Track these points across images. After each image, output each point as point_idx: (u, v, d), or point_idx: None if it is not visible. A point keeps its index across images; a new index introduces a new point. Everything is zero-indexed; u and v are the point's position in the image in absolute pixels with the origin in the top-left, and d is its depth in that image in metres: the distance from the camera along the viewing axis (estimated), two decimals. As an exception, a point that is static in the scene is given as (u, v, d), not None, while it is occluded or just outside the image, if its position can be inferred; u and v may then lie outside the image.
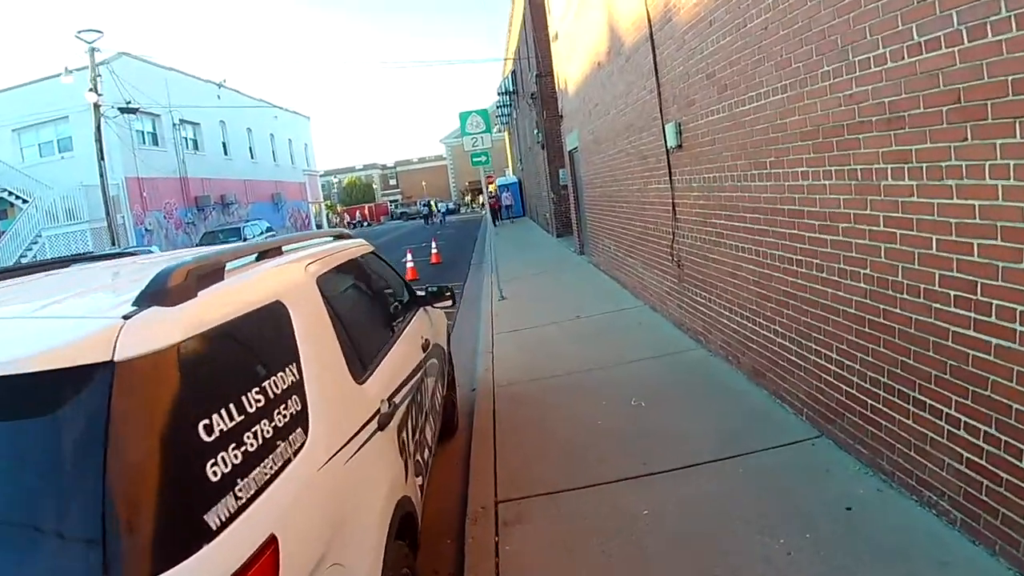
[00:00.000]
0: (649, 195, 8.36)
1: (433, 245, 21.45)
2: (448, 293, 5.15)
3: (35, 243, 25.87)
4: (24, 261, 24.42)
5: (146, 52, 31.65)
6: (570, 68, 13.93)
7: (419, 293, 5.26)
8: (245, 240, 26.43)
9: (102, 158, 22.95)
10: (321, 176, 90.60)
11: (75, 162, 26.24)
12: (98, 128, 22.87)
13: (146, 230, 28.91)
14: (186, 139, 33.47)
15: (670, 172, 7.19)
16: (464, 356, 8.69)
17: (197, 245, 27.91)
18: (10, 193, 26.59)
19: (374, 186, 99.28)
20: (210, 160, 35.35)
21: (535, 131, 22.92)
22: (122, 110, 24.07)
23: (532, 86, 23.34)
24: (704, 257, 6.53)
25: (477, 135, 11.45)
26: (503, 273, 13.49)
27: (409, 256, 18.08)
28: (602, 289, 11.37)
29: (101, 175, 22.96)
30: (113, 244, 23.56)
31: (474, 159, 11.85)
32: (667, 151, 7.16)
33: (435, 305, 5.21)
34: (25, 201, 26.34)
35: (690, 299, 7.19)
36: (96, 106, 22.58)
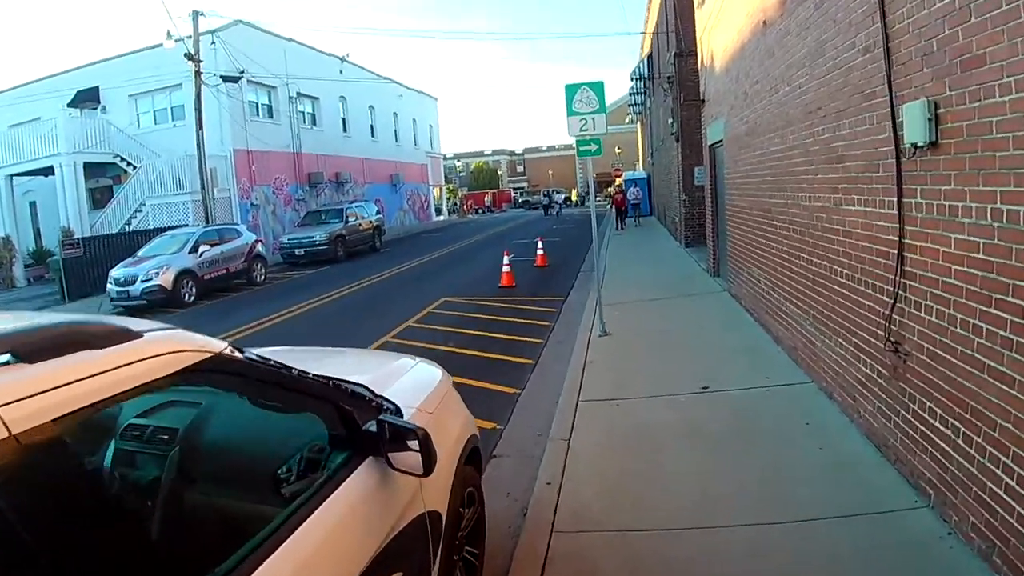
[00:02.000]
0: (844, 221, 5.20)
1: (540, 244, 18.73)
2: (415, 439, 2.37)
3: (139, 211, 25.28)
4: (128, 229, 23.92)
5: (267, 21, 30.82)
6: (718, 38, 10.72)
7: (375, 426, 2.49)
8: (347, 223, 24.79)
9: (200, 127, 21.82)
10: (448, 159, 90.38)
11: (186, 130, 25.32)
12: (198, 96, 21.72)
13: (252, 205, 27.92)
14: (303, 113, 32.37)
15: (900, 188, 4.05)
16: (525, 438, 5.96)
17: (299, 224, 26.57)
18: (122, 159, 26.16)
19: (500, 172, 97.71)
20: (327, 136, 34.19)
21: (669, 120, 19.64)
22: (224, 78, 22.86)
23: (669, 68, 20.04)
24: (967, 357, 3.40)
25: (587, 116, 8.54)
26: (612, 291, 10.63)
27: (506, 259, 15.40)
28: (743, 339, 8.22)
29: (198, 145, 21.83)
30: (207, 219, 22.37)
31: (580, 147, 8.95)
32: (898, 151, 4.02)
33: (394, 464, 2.42)
34: (135, 168, 25.77)
35: (919, 418, 4.04)
36: (197, 73, 21.38)
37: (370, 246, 27.20)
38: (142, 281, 16.15)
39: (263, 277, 19.84)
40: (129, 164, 26.15)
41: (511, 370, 8.36)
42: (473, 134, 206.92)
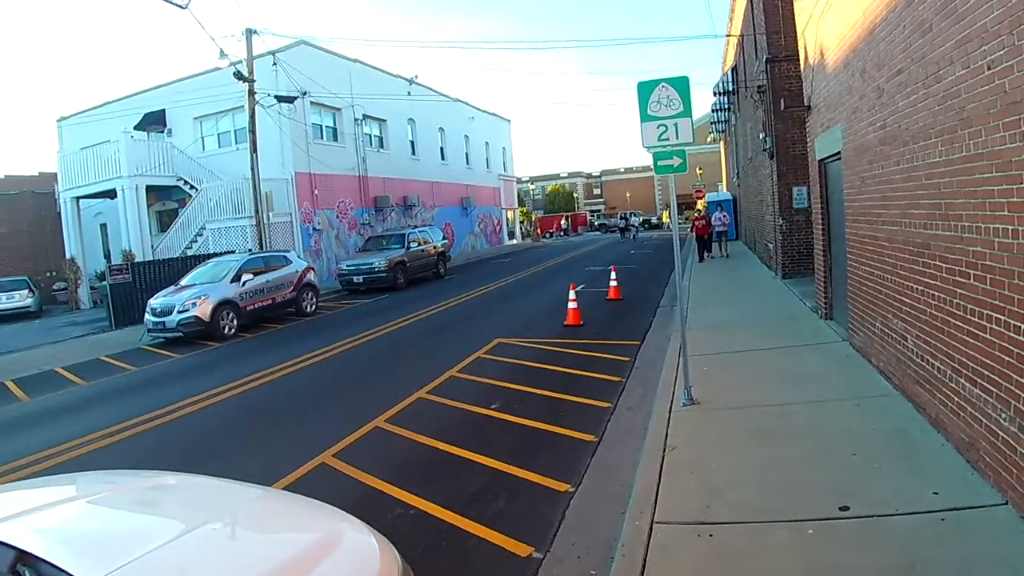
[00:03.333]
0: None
1: (613, 274, 16.69)
2: None
3: (200, 235, 24.63)
4: (189, 253, 23.19)
5: (334, 44, 30.07)
6: (830, 27, 8.57)
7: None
8: (408, 249, 23.39)
9: (255, 150, 20.86)
10: (523, 182, 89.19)
11: (248, 153, 24.59)
12: (252, 117, 20.74)
13: (314, 229, 26.94)
14: (369, 135, 31.39)
15: None
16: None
17: (360, 250, 25.35)
18: (185, 182, 25.67)
19: (576, 195, 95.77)
20: (394, 159, 33.14)
21: (761, 135, 17.34)
22: (279, 98, 21.88)
23: (759, 76, 17.78)
24: None
25: (667, 120, 6.56)
26: (698, 337, 8.52)
27: (572, 293, 13.40)
28: (884, 419, 6.01)
29: (252, 168, 20.84)
30: (261, 245, 21.33)
31: (658, 162, 6.95)
32: None
33: None
34: (197, 191, 25.20)
35: None
36: (250, 93, 20.44)
37: (433, 272, 25.72)
38: (178, 312, 15.01)
39: (313, 307, 18.50)
40: (192, 187, 25.65)
41: (564, 451, 6.41)
42: (548, 156, 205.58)
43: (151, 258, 22.70)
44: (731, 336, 10.01)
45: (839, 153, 8.59)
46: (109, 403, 10.44)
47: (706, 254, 23.08)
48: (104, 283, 19.83)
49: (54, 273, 27.60)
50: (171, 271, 19.29)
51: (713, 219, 23.56)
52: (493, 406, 7.97)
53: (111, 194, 25.53)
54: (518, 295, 19.01)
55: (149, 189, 25.60)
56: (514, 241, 52.28)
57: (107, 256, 29.24)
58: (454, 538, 4.92)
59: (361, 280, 22.49)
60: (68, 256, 27.09)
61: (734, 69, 26.35)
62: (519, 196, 63.04)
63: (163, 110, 28.21)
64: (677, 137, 6.67)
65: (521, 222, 61.99)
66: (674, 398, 7.24)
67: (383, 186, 31.48)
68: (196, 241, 24.70)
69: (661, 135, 6.66)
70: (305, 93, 25.07)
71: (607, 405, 7.65)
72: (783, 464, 5.23)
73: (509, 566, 4.49)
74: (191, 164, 26.23)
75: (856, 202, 7.86)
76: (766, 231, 18.49)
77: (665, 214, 65.31)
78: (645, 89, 6.70)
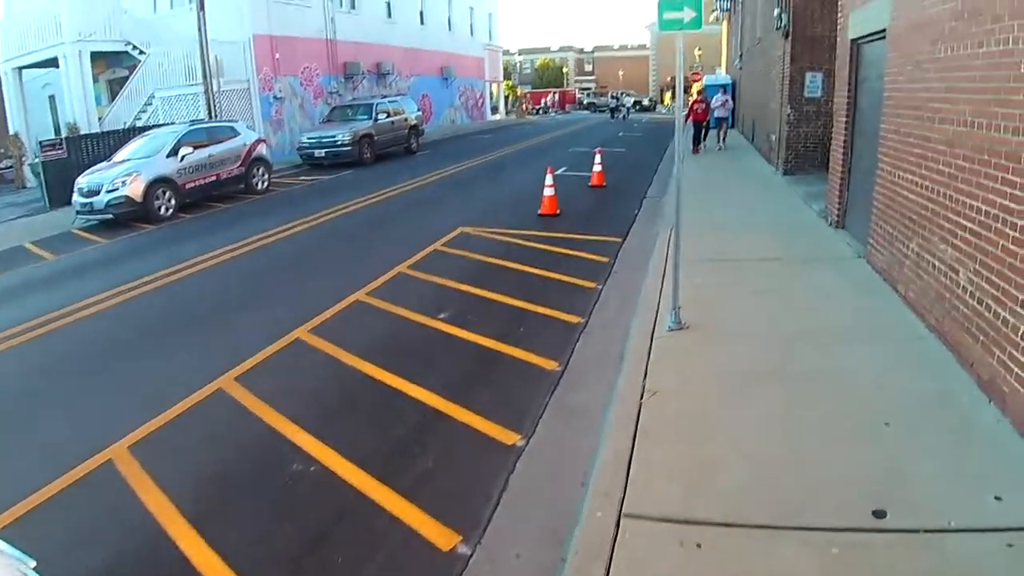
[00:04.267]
0: None
1: (598, 157, 15.04)
2: None
3: (149, 104, 22.31)
4: (138, 124, 21.03)
5: None
6: None
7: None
8: (377, 121, 21.41)
9: (202, 7, 18.35)
10: (513, 55, 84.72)
11: (206, 15, 21.93)
12: None
13: (275, 97, 24.56)
14: (340, -6, 28.40)
15: None
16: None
17: (323, 121, 23.25)
18: (135, 47, 22.96)
19: (566, 70, 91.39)
20: (367, 22, 30.17)
21: (776, 11, 15.29)
22: None
23: (781, -59, 15.52)
24: None
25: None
26: (690, 243, 7.13)
27: (549, 178, 11.81)
28: (918, 369, 4.80)
29: (200, 28, 18.43)
30: (210, 114, 19.24)
31: (663, 14, 5.29)
32: None
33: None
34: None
35: None
36: None
37: (405, 147, 23.79)
38: (107, 192, 13.16)
39: (265, 184, 16.70)
40: (142, 53, 22.98)
41: (517, 383, 5.18)
42: (539, 28, 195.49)
43: (96, 130, 20.51)
44: (727, 241, 8.65)
45: (883, 31, 6.93)
46: (10, 301, 9.03)
47: (702, 144, 19.78)
48: (35, 161, 17.83)
49: (2, 151, 25.21)
50: (113, 144, 17.12)
51: (714, 101, 20.30)
52: (441, 315, 6.67)
53: (55, 63, 22.88)
54: (494, 175, 17.38)
55: (96, 56, 22.84)
56: (498, 116, 49.62)
57: (56, 130, 26.79)
58: (364, 511, 3.74)
59: (323, 154, 20.60)
60: (12, 132, 24.66)
61: (747, -66, 23.66)
62: (505, 69, 59.63)
63: (110, -33, 24.96)
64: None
65: (507, 96, 58.96)
66: (658, 317, 5.96)
67: (354, 51, 28.76)
68: (145, 111, 22.38)
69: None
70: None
71: (577, 320, 6.37)
72: (796, 433, 4.00)
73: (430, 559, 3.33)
74: (141, 27, 23.34)
75: (902, 92, 6.30)
76: (769, 121, 16.78)
77: (666, 96, 62.03)
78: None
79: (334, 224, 11.92)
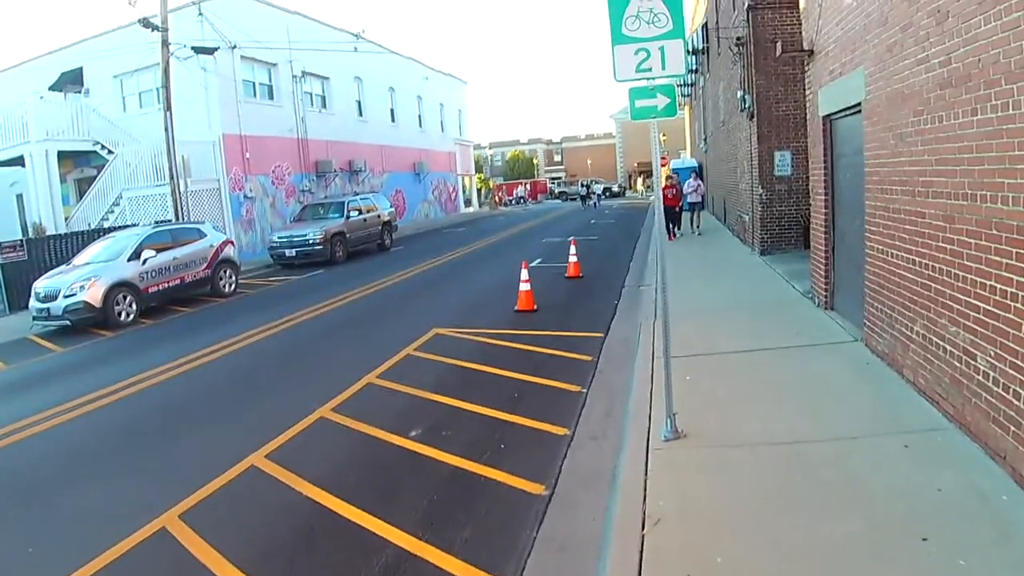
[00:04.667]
0: None
1: (573, 248, 14.76)
2: None
3: (117, 204, 22.01)
4: (106, 224, 20.59)
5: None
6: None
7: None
8: (349, 218, 21.16)
9: (168, 108, 18.41)
10: (484, 148, 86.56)
11: (175, 115, 22.01)
12: (165, 71, 18.37)
13: (246, 196, 24.43)
14: (310, 94, 28.83)
15: None
16: None
17: (295, 220, 22.98)
18: (103, 147, 22.95)
19: (536, 161, 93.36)
20: (339, 120, 30.58)
21: (739, 94, 15.49)
22: (196, 50, 19.23)
23: (738, 27, 15.90)
24: None
25: (651, 43, 4.56)
26: (676, 332, 6.60)
27: (525, 272, 11.36)
28: (944, 466, 4.25)
29: (167, 128, 18.34)
30: (177, 215, 18.92)
31: (636, 101, 4.96)
32: None
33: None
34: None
35: None
36: (164, 44, 17.95)
37: (378, 244, 23.54)
38: (64, 296, 12.63)
39: (232, 287, 16.19)
40: (111, 152, 22.91)
41: (499, 511, 4.55)
42: (508, 122, 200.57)
43: (64, 231, 20.07)
44: (714, 328, 8.21)
45: (858, 105, 6.74)
46: None
47: (676, 230, 19.27)
48: (-4, 262, 17.27)
49: None
50: (77, 246, 16.65)
51: (686, 186, 19.90)
52: (412, 433, 6.04)
53: (21, 161, 22.68)
54: (467, 271, 17.02)
55: (64, 155, 22.80)
56: (471, 209, 50.06)
57: (24, 230, 26.32)
58: None
59: (294, 253, 20.23)
60: None
61: (704, 26, 24.43)
62: (477, 162, 60.72)
63: (80, 68, 25.22)
64: (664, 67, 4.70)
65: (479, 189, 59.75)
66: (651, 425, 5.41)
67: (326, 149, 28.97)
68: (113, 212, 22.08)
69: (640, 64, 4.68)
70: (234, 46, 22.47)
71: (563, 431, 5.79)
72: (822, 564, 3.42)
73: None
74: (110, 127, 23.45)
75: (887, 167, 6.02)
76: (741, 202, 16.76)
77: (636, 181, 62.94)
78: (619, 1, 4.70)
79: (301, 328, 11.34)
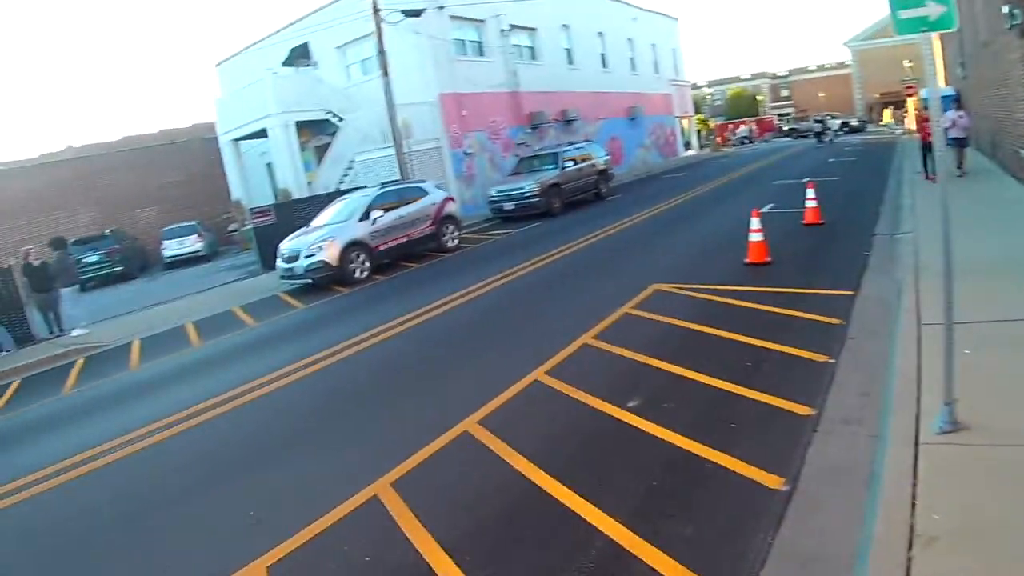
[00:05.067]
0: None
1: (810, 191, 13.17)
2: None
3: (350, 168, 23.67)
4: (342, 187, 22.26)
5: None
6: None
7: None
8: (563, 169, 20.89)
9: (385, 73, 19.17)
10: (702, 88, 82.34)
11: (394, 79, 23.06)
12: (379, 36, 19.33)
13: (465, 153, 25.07)
14: (519, 47, 28.74)
15: None
16: None
17: (511, 173, 23.13)
18: (334, 115, 24.71)
19: (760, 98, 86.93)
20: (549, 70, 30.29)
21: (1005, 9, 12.65)
22: (405, 13, 19.65)
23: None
24: None
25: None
26: (942, 293, 5.42)
27: (755, 221, 10.21)
28: None
29: (386, 92, 19.18)
30: (401, 175, 19.84)
31: (899, 12, 3.96)
32: None
33: None
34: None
35: None
36: (375, 10, 18.66)
37: (594, 193, 23.06)
38: (305, 257, 13.80)
39: (455, 241, 16.71)
40: (341, 119, 24.68)
41: (731, 504, 3.94)
42: (727, 59, 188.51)
43: (307, 195, 22.06)
44: (994, 289, 6.73)
45: None
46: (206, 373, 9.39)
47: (931, 169, 16.14)
48: (248, 227, 19.41)
49: (228, 216, 28.16)
50: (317, 209, 18.16)
51: (944, 119, 16.86)
52: (629, 404, 5.56)
53: (265, 134, 25.20)
54: (689, 220, 15.99)
55: (302, 125, 24.96)
56: (691, 152, 47.83)
57: (275, 195, 29.46)
58: None
59: (512, 207, 20.42)
60: (233, 198, 27.43)
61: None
62: (695, 102, 57.70)
63: (306, 43, 27.41)
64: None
65: (698, 131, 56.93)
66: (921, 411, 4.44)
67: (538, 101, 28.86)
68: (347, 175, 23.82)
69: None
70: (442, 7, 22.94)
71: (806, 412, 4.96)
72: None
73: None
74: (338, 95, 25.20)
75: None
76: (1017, 134, 13.95)
77: (886, 112, 56.28)
78: None
79: (518, 283, 11.28)
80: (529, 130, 28.46)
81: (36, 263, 13.97)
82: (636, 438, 4.98)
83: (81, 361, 11.59)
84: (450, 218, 16.67)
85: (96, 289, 23.19)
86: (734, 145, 57.83)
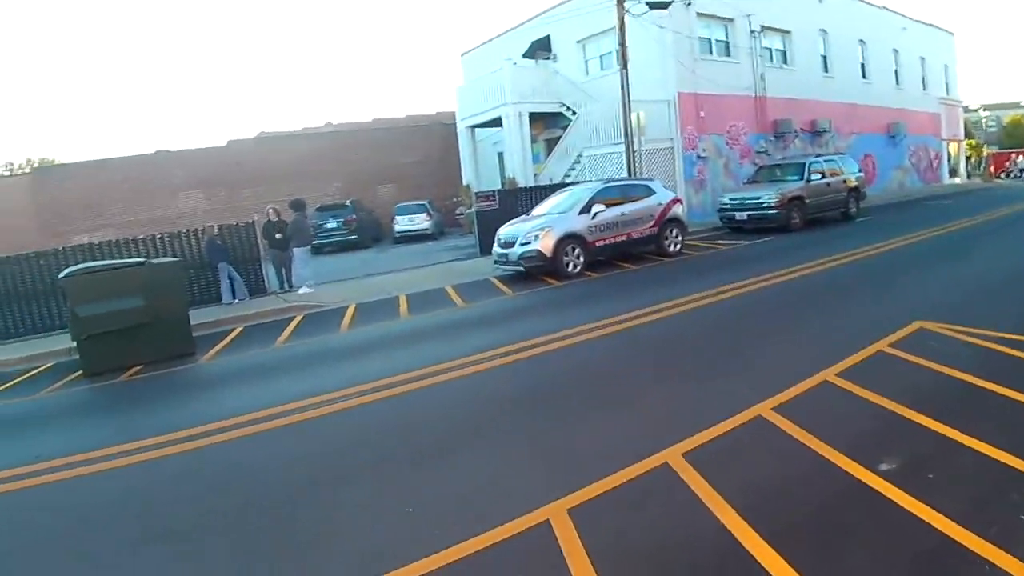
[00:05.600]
0: None
1: None
2: None
3: (577, 162, 23.43)
4: (568, 180, 22.13)
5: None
6: None
7: None
8: (809, 182, 19.00)
9: (624, 66, 18.54)
10: (975, 111, 72.48)
11: (631, 75, 22.39)
12: (621, 28, 18.62)
13: (699, 156, 23.75)
14: (769, 50, 26.69)
15: None
16: None
17: (748, 181, 21.49)
18: (568, 108, 24.74)
19: (1052, 124, 74.75)
20: (801, 77, 27.85)
21: None
22: (651, 5, 18.73)
23: None
24: None
25: None
26: None
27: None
28: None
29: (622, 87, 18.55)
30: (629, 172, 19.10)
31: None
32: None
33: None
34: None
35: None
36: (619, 2, 17.99)
37: (842, 212, 20.66)
38: (520, 244, 13.65)
39: (677, 247, 15.60)
40: (574, 113, 24.59)
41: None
42: (1007, 80, 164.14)
43: (533, 185, 22.19)
44: None
45: None
46: (403, 346, 9.48)
47: None
48: (471, 211, 19.88)
49: (457, 199, 29.41)
50: (539, 198, 18.10)
51: None
52: (881, 466, 4.38)
53: (499, 122, 25.71)
54: (958, 252, 13.53)
55: (535, 116, 25.20)
56: (956, 180, 42.07)
57: (502, 183, 30.17)
58: None
59: (745, 217, 18.84)
60: (464, 183, 28.46)
61: None
62: (966, 126, 50.74)
63: (548, 36, 27.73)
64: None
65: (968, 156, 50.05)
66: None
67: (785, 108, 26.63)
68: (574, 169, 23.63)
69: None
70: (689, 3, 21.79)
71: None
72: None
73: None
74: (574, 89, 25.17)
75: None
76: None
77: None
78: None
79: (743, 300, 10.09)
80: (772, 138, 26.40)
81: (276, 220, 15.20)
82: (887, 513, 3.82)
83: (300, 317, 12.36)
84: (675, 221, 15.63)
85: (330, 254, 25.03)
86: (1014, 177, 50.09)
